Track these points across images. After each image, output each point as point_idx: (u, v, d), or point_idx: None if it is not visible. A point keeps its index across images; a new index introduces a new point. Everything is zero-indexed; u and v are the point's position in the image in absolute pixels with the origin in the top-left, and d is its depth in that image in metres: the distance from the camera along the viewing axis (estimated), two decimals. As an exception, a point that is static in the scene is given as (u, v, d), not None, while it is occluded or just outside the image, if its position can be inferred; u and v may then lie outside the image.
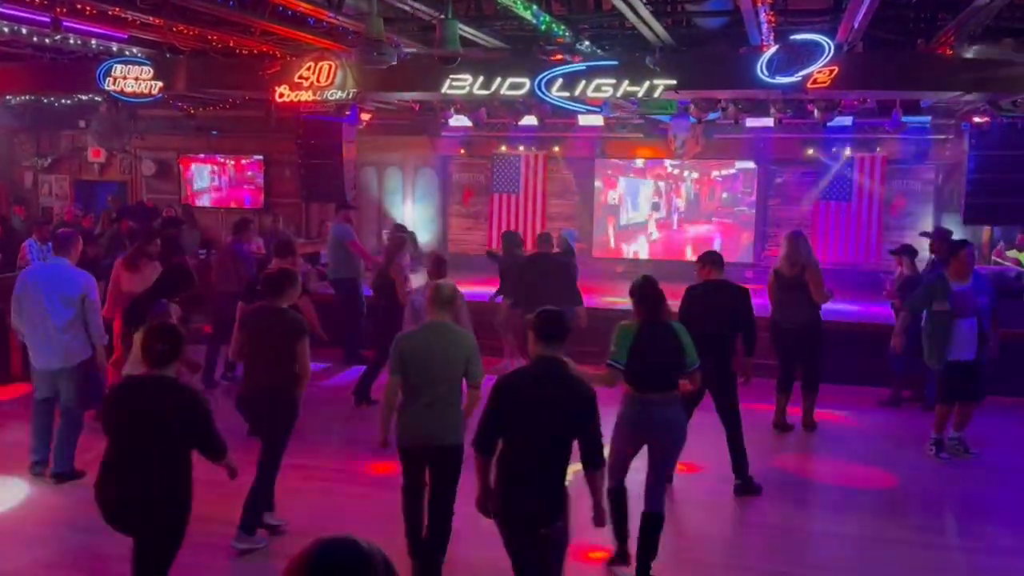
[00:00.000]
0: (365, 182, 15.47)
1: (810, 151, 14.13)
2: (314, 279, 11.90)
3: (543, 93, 9.28)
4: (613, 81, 9.11)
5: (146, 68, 10.34)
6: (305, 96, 10.00)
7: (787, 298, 8.17)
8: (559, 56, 9.22)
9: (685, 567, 5.75)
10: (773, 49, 8.40)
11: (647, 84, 9.04)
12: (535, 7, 7.66)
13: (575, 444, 4.18)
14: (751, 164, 14.70)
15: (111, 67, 10.34)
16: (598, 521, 4.37)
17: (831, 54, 8.21)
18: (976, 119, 10.67)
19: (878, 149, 13.96)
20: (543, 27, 8.26)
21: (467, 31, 8.40)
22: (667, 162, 15.08)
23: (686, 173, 15.17)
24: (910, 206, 14.22)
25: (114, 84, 10.37)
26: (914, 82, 8.94)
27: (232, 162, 16.14)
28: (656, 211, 15.40)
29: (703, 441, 7.02)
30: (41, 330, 6.59)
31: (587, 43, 9.04)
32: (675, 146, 13.12)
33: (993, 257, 12.56)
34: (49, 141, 16.87)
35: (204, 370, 9.86)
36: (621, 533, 5.46)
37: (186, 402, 4.24)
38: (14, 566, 5.41)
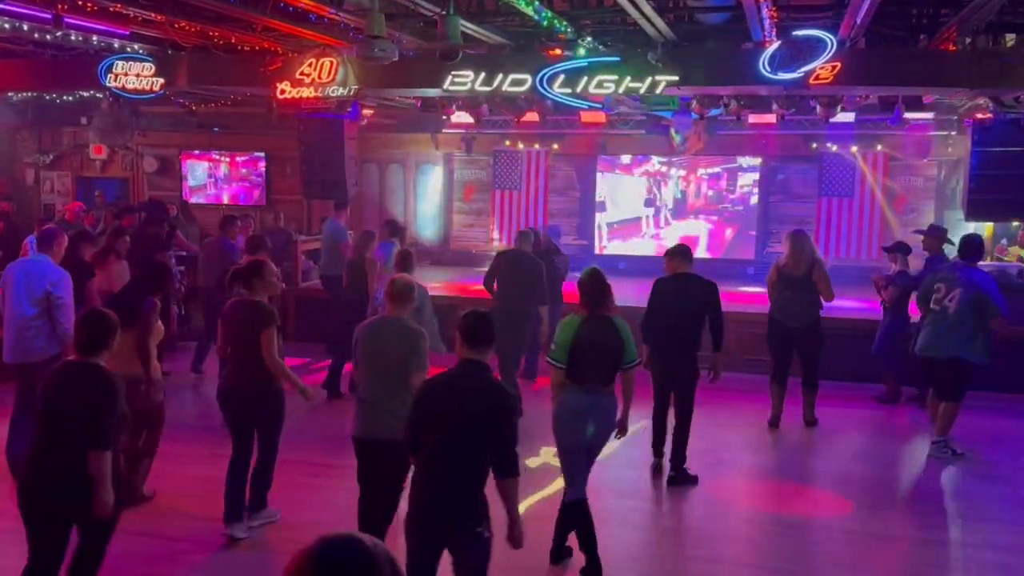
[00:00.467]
0: (367, 179, 15.47)
1: (812, 147, 14.10)
2: (316, 275, 11.98)
3: (545, 89, 9.26)
4: (615, 77, 9.08)
5: (148, 65, 10.32)
6: (307, 93, 9.98)
7: (793, 296, 8.15)
8: (557, 51, 9.18)
9: (685, 563, 5.75)
10: (775, 45, 8.38)
11: (649, 80, 9.02)
12: (537, 3, 7.64)
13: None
14: (756, 160, 14.67)
15: (113, 64, 10.32)
16: (513, 539, 4.12)
17: (834, 50, 8.19)
18: (979, 115, 10.64)
19: (880, 145, 13.93)
20: (545, 23, 8.24)
21: (468, 27, 8.39)
22: (655, 158, 15.09)
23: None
24: (912, 202, 14.20)
25: (116, 81, 10.35)
26: (917, 78, 8.91)
27: (229, 159, 16.12)
28: (649, 207, 15.42)
29: (695, 436, 7.04)
30: (13, 324, 6.68)
31: (589, 39, 9.02)
32: (677, 143, 13.09)
33: (995, 253, 12.54)
34: (51, 138, 16.86)
35: (193, 362, 9.97)
36: (590, 547, 5.27)
37: (102, 387, 4.31)
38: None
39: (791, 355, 8.38)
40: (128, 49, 10.31)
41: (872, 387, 9.65)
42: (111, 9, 8.36)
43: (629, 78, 9.05)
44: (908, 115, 10.81)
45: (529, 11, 7.74)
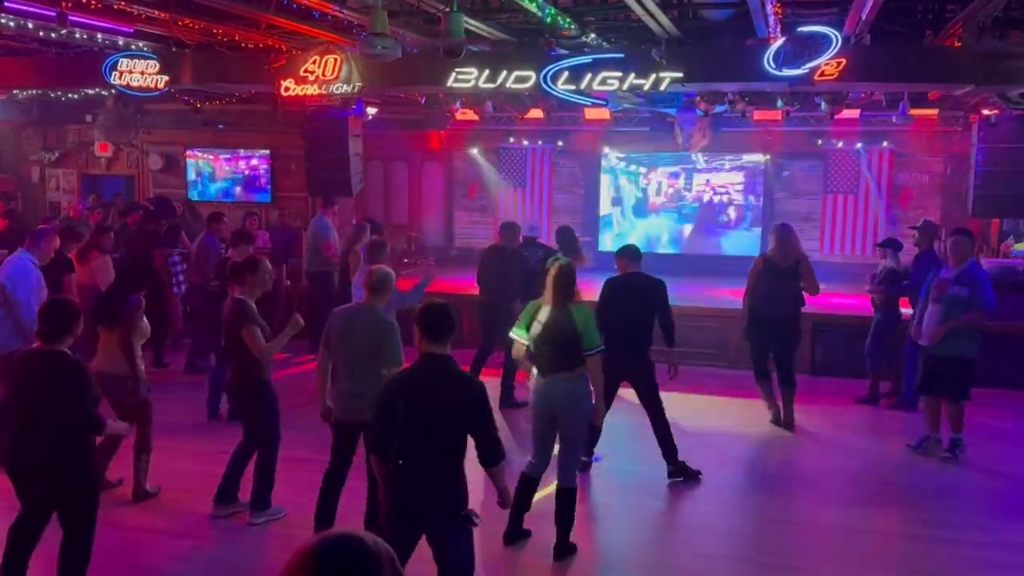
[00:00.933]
0: (371, 176, 15.46)
1: (818, 144, 14.07)
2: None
3: (549, 86, 9.24)
4: (619, 74, 9.06)
5: (152, 62, 10.33)
6: (311, 90, 9.99)
7: (777, 287, 8.22)
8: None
9: (686, 558, 5.75)
10: (780, 41, 8.35)
11: (653, 77, 9.00)
12: (540, -1, 7.64)
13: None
14: (760, 157, 14.64)
15: (117, 61, 10.34)
16: (503, 504, 4.41)
17: (839, 46, 8.16)
18: (985, 111, 10.60)
19: (885, 142, 13.88)
20: (549, 19, 8.23)
21: (472, 24, 8.38)
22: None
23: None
24: (918, 199, 14.14)
25: (120, 78, 10.37)
26: (922, 75, 8.89)
27: (232, 156, 16.14)
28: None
29: (684, 433, 7.03)
30: None
31: (593, 35, 9.01)
32: (681, 139, 13.06)
33: (1003, 250, 12.50)
34: (56, 135, 16.90)
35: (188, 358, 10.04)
36: (517, 514, 5.58)
37: (68, 372, 4.44)
38: None
39: (769, 348, 8.43)
40: (132, 47, 10.33)
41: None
42: (115, 7, 8.37)
43: (633, 75, 9.03)
44: (914, 111, 10.78)
45: (533, 8, 7.72)
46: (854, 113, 12.04)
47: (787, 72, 8.46)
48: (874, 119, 12.95)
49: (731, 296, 10.48)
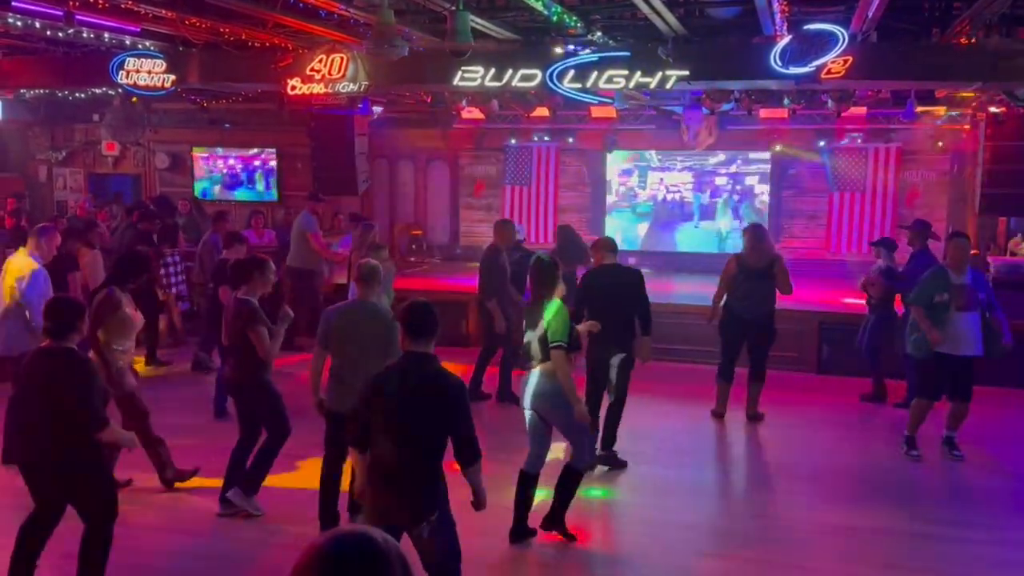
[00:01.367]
0: (377, 175, 15.48)
1: (824, 142, 14.05)
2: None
3: (555, 85, 9.23)
4: (625, 72, 9.05)
5: (159, 61, 10.35)
6: (317, 89, 9.99)
7: (751, 288, 8.29)
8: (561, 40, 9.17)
9: (689, 557, 5.75)
10: (787, 39, 8.33)
11: (660, 75, 8.99)
12: (546, -2, 7.64)
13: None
14: (766, 155, 14.62)
15: (124, 60, 10.35)
16: (477, 505, 4.28)
17: (845, 44, 8.14)
18: (992, 109, 10.57)
19: (893, 139, 13.85)
20: (555, 18, 8.23)
21: (478, 22, 8.38)
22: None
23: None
24: (925, 197, 14.11)
25: (127, 78, 10.38)
26: (929, 72, 8.85)
27: (238, 155, 16.17)
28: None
29: (685, 429, 7.03)
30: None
31: (599, 34, 9.00)
32: (687, 137, 13.06)
33: (1010, 248, 12.47)
34: (63, 135, 16.95)
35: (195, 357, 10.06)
36: (521, 512, 5.64)
37: (74, 369, 4.46)
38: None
39: (741, 347, 8.50)
40: (139, 46, 10.35)
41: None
42: (122, 6, 8.38)
43: (639, 73, 9.02)
44: (920, 109, 10.75)
45: (539, 6, 7.73)
46: (861, 111, 12.02)
47: (793, 70, 8.44)
48: (881, 117, 12.91)
49: (692, 290, 10.59)
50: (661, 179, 15.20)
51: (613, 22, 9.19)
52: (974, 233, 12.30)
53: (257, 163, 16.11)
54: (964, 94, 10.80)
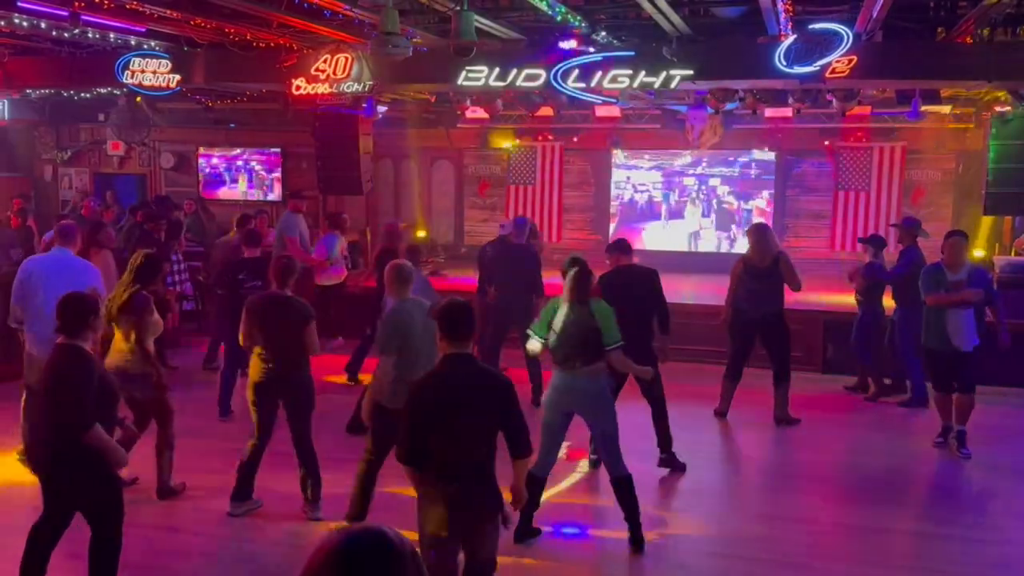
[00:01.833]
0: (381, 174, 15.49)
1: (828, 141, 14.03)
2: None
3: (559, 84, 9.24)
4: (630, 72, 9.06)
5: (164, 61, 10.37)
6: (322, 89, 10.01)
7: (759, 287, 8.28)
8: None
9: (695, 557, 5.75)
10: (791, 39, 8.33)
11: (664, 75, 8.99)
12: (551, -3, 7.64)
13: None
14: (771, 154, 14.61)
15: (129, 61, 10.39)
16: (517, 503, 4.31)
17: (850, 43, 8.14)
18: (997, 108, 10.55)
19: (897, 138, 13.82)
20: (559, 18, 8.24)
21: (483, 22, 8.39)
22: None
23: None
24: (930, 196, 14.08)
25: (132, 78, 10.42)
26: (934, 71, 8.85)
27: (243, 154, 16.19)
28: None
29: (695, 429, 7.02)
30: (45, 318, 6.67)
31: (604, 33, 9.00)
32: (692, 136, 13.04)
33: (1015, 247, 12.43)
34: (69, 135, 16.98)
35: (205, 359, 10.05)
36: (527, 512, 5.62)
37: (73, 365, 4.47)
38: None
39: (751, 348, 8.50)
40: (145, 46, 10.38)
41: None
42: (128, 6, 8.41)
43: (644, 73, 9.02)
44: (925, 108, 10.74)
45: (543, 6, 7.73)
46: (865, 110, 12.00)
47: (798, 69, 8.44)
48: (886, 116, 12.88)
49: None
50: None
51: (617, 22, 9.19)
52: (984, 234, 12.34)
53: (254, 163, 16.14)
54: (970, 93, 10.78)
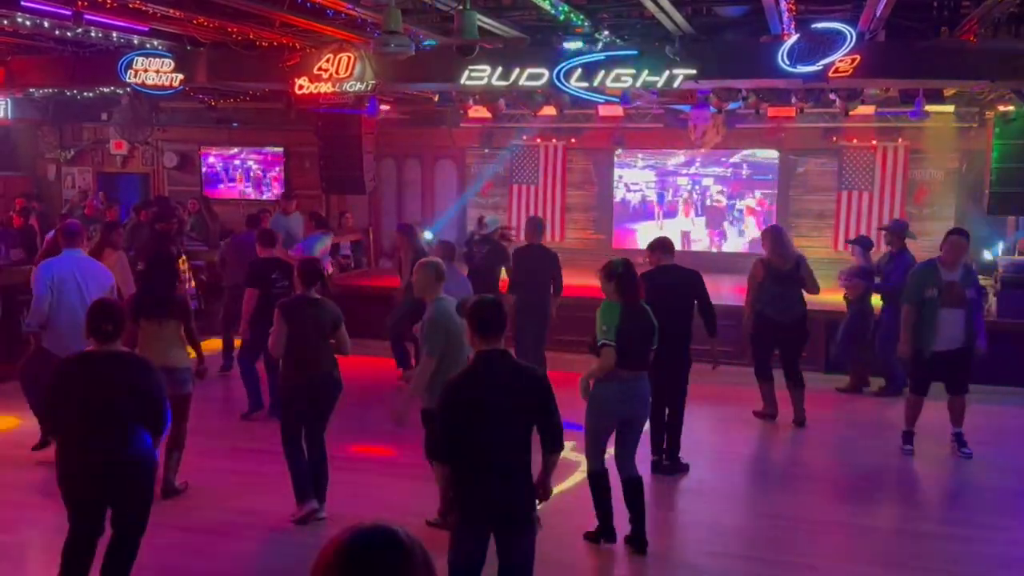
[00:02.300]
0: (384, 174, 15.50)
1: (832, 140, 14.01)
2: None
3: (562, 83, 9.24)
4: (632, 71, 9.05)
5: (167, 61, 10.38)
6: (324, 88, 10.01)
7: (782, 292, 8.20)
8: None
9: (696, 556, 5.75)
10: (794, 38, 8.32)
11: (667, 74, 8.99)
12: (553, -4, 7.64)
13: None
14: (774, 153, 14.59)
15: (132, 60, 10.39)
16: (543, 497, 4.28)
17: (853, 43, 8.13)
18: (1000, 108, 10.54)
19: (900, 138, 13.81)
20: (562, 17, 8.23)
21: (485, 21, 8.38)
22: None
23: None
24: (933, 196, 14.05)
25: (135, 77, 10.43)
26: (937, 71, 8.83)
27: (246, 154, 16.21)
28: None
29: (695, 429, 7.01)
30: (77, 319, 6.68)
31: (606, 32, 9.00)
32: (694, 136, 13.03)
33: (1019, 247, 12.40)
34: (72, 134, 17.01)
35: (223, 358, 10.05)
36: (606, 512, 5.66)
37: (140, 371, 4.53)
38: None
39: (773, 350, 8.43)
40: (147, 45, 10.38)
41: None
42: (130, 6, 8.42)
43: (646, 72, 9.02)
44: (929, 108, 10.72)
45: (546, 5, 7.73)
46: (869, 110, 11.99)
47: (801, 69, 8.43)
48: (889, 115, 12.87)
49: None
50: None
51: (620, 21, 9.18)
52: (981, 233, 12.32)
53: (251, 162, 16.16)
54: (973, 93, 10.77)
